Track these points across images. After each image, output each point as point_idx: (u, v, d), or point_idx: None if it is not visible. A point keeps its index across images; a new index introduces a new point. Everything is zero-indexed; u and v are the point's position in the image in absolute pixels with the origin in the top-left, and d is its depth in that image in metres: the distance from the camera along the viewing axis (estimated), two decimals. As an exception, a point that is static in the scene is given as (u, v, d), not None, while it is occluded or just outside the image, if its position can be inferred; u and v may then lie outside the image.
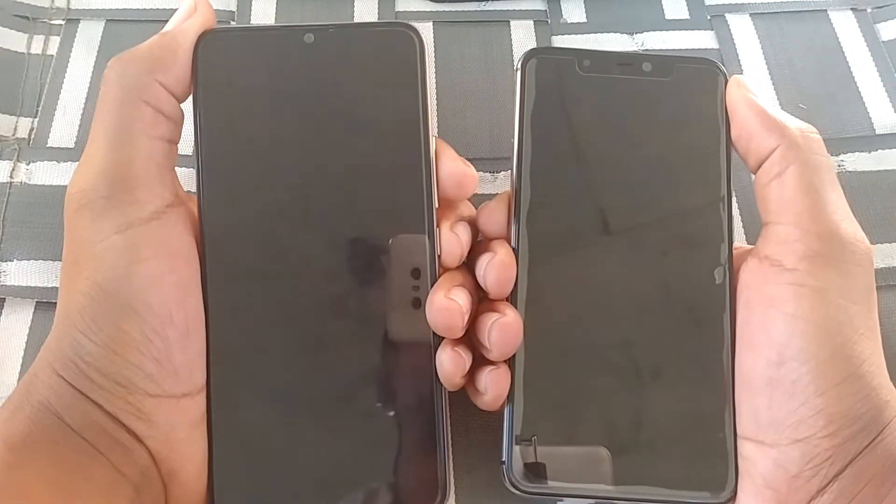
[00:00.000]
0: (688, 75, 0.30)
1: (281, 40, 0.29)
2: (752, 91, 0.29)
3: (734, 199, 0.37)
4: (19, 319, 0.34)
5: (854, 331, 0.26)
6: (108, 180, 0.26)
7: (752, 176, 0.29)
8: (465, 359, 0.27)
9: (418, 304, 0.27)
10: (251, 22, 0.42)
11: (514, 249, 0.28)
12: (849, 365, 0.26)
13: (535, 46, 0.40)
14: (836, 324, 0.26)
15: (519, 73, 0.29)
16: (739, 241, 0.35)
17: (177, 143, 0.28)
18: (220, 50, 0.28)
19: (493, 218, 0.29)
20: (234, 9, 0.42)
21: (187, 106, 0.29)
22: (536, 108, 0.29)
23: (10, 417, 0.25)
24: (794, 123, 0.28)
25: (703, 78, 0.30)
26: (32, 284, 0.35)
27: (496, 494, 0.31)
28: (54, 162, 0.37)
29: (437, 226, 0.28)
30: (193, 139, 0.28)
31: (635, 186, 0.29)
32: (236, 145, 0.28)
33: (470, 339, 0.28)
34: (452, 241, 0.27)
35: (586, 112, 0.29)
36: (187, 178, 0.29)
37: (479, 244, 0.29)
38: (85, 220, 0.26)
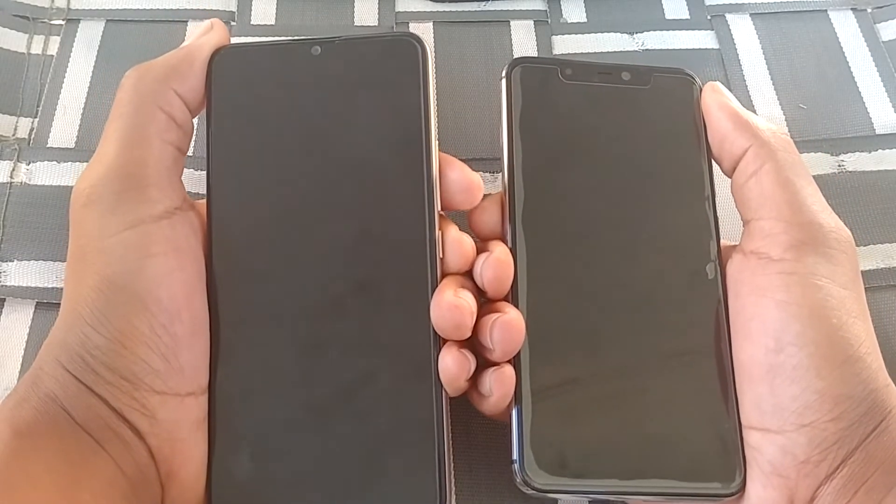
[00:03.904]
0: (665, 84, 0.31)
1: (289, 54, 0.30)
2: (726, 95, 0.30)
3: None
4: (19, 320, 0.34)
5: (847, 313, 0.26)
6: (120, 177, 0.26)
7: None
8: (470, 361, 0.27)
9: (420, 307, 0.27)
10: (251, 22, 0.42)
11: (511, 249, 0.28)
12: (847, 347, 0.26)
13: (535, 46, 0.41)
14: (829, 307, 0.26)
15: (504, 80, 0.30)
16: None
17: (185, 153, 0.29)
18: (232, 64, 0.30)
19: (485, 218, 0.29)
20: (234, 9, 0.42)
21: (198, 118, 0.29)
22: (524, 112, 0.30)
23: (17, 406, 0.25)
24: (764, 125, 0.29)
25: (679, 86, 0.31)
26: (33, 285, 0.35)
27: (497, 494, 0.31)
28: (54, 162, 0.37)
29: (441, 230, 0.28)
30: (206, 149, 0.29)
31: (624, 187, 0.30)
32: (246, 154, 0.29)
33: (471, 343, 0.28)
34: (463, 243, 0.28)
35: (572, 116, 0.30)
36: (195, 181, 0.29)
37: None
38: (94, 216, 0.26)
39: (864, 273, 0.29)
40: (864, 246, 0.36)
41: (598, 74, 0.31)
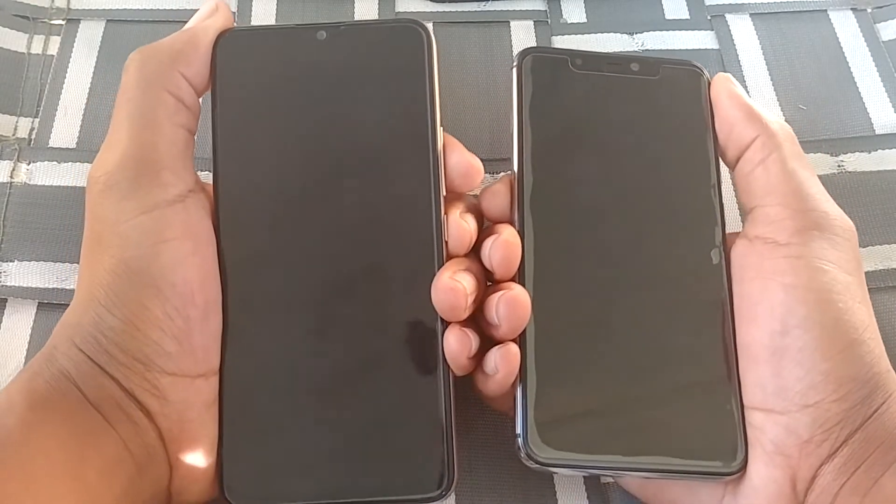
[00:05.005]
0: (673, 75, 0.32)
1: (295, 38, 0.30)
2: (737, 86, 0.31)
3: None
4: (21, 320, 0.34)
5: (852, 298, 0.27)
6: (134, 163, 0.27)
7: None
8: (472, 339, 0.27)
9: (427, 290, 0.27)
10: (251, 22, 0.42)
11: (519, 232, 0.29)
12: (852, 330, 0.26)
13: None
14: (836, 292, 0.27)
15: (515, 69, 0.31)
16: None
17: (194, 133, 0.29)
18: (237, 47, 0.30)
19: (496, 201, 0.30)
20: (234, 9, 0.42)
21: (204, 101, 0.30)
22: (534, 100, 0.30)
23: (31, 379, 0.25)
24: (771, 116, 0.30)
25: (687, 77, 0.32)
26: (34, 285, 0.35)
27: (497, 494, 0.31)
28: (55, 162, 0.37)
29: (445, 213, 0.28)
30: (211, 132, 0.29)
31: (631, 174, 0.30)
32: (252, 138, 0.29)
33: (478, 324, 0.28)
34: (462, 227, 0.28)
35: (581, 104, 0.31)
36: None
37: (483, 230, 0.30)
38: (110, 201, 0.27)
39: (862, 274, 0.29)
40: (864, 247, 0.36)
41: (608, 65, 0.31)
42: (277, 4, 0.42)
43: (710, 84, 0.31)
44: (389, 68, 0.29)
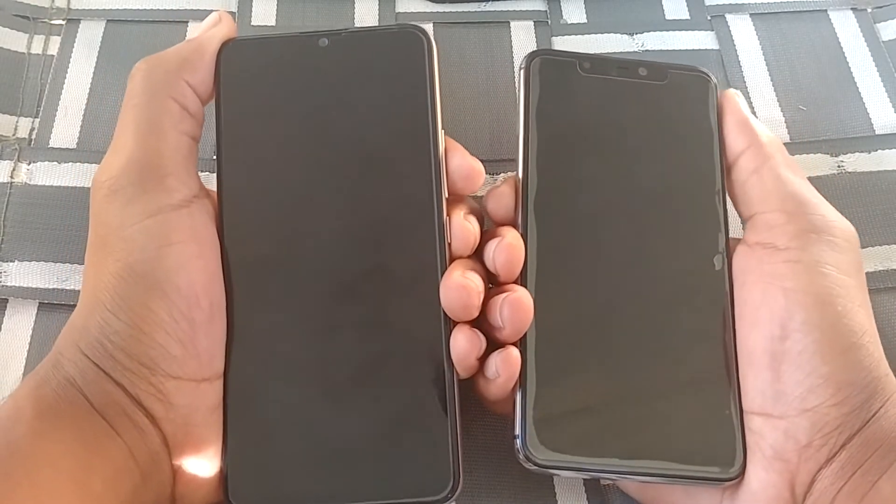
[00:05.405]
0: (681, 80, 0.32)
1: (297, 46, 0.30)
2: (741, 101, 0.31)
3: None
4: (22, 320, 0.34)
5: (852, 301, 0.27)
6: (139, 168, 0.27)
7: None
8: (481, 339, 0.27)
9: (431, 292, 0.28)
10: (251, 23, 0.42)
11: (522, 235, 0.29)
12: (851, 334, 0.26)
13: (535, 47, 0.41)
14: (835, 295, 0.27)
15: (523, 70, 0.31)
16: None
17: (198, 141, 0.29)
18: (241, 56, 0.30)
19: (503, 202, 0.30)
20: (234, 9, 0.42)
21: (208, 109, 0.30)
22: (541, 102, 0.30)
23: (38, 387, 0.25)
24: (762, 128, 0.31)
25: (695, 83, 0.32)
26: (34, 286, 0.35)
27: (497, 495, 0.31)
28: (55, 163, 0.37)
29: (448, 215, 0.28)
30: (215, 139, 0.30)
31: (637, 179, 0.30)
32: (256, 144, 0.30)
33: (480, 326, 0.28)
34: (466, 228, 0.28)
35: (588, 108, 0.31)
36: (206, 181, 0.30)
37: (484, 233, 0.30)
38: (115, 206, 0.27)
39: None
40: (863, 248, 0.35)
41: (617, 69, 0.31)
42: (277, 5, 0.42)
43: (717, 90, 0.32)
44: (391, 74, 0.30)
